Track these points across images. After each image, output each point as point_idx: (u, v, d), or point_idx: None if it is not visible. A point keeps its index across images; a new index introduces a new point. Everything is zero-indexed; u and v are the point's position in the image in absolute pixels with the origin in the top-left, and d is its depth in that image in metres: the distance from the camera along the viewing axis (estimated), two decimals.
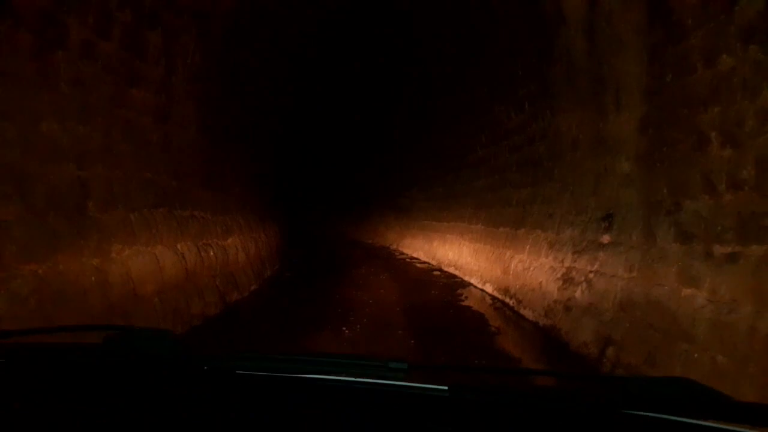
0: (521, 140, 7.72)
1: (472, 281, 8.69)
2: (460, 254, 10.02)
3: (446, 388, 0.98)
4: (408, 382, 1.02)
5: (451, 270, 10.14)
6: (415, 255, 13.57)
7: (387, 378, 1.02)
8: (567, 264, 5.26)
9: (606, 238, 4.66)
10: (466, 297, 7.61)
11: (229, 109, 7.56)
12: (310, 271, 10.45)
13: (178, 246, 5.11)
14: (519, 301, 6.36)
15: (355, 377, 1.03)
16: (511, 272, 6.94)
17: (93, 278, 3.62)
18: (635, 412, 0.89)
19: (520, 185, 7.66)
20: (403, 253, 14.33)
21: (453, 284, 8.81)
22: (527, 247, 6.58)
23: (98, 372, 1.07)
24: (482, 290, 7.98)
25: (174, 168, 5.42)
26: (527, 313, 5.96)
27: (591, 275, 4.70)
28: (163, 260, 4.72)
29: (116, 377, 1.04)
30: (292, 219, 22.31)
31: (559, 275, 5.34)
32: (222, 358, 1.15)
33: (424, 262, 12.04)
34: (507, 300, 6.81)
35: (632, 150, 4.58)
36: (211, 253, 5.94)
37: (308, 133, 20.33)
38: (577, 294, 4.81)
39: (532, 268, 6.21)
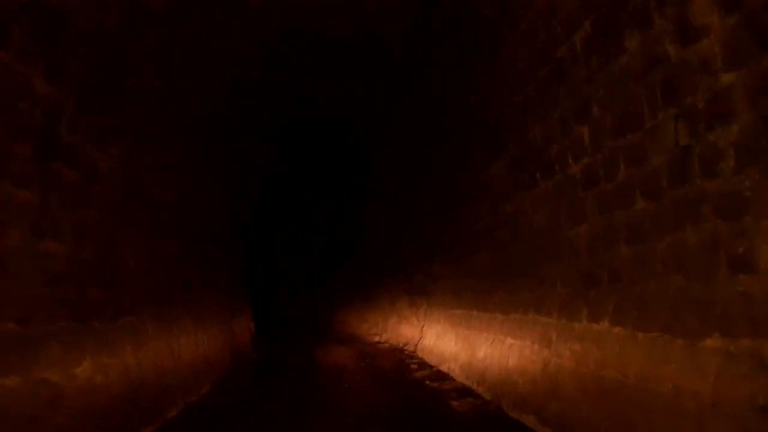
0: None
1: None
2: (549, 382, 4.56)
3: None
4: None
5: (531, 423, 4.65)
6: (444, 369, 8.05)
7: None
8: None
9: None
10: None
11: None
12: None
13: None
14: None
15: None
16: None
17: None
18: None
19: None
20: (423, 365, 8.77)
21: None
22: None
23: None
24: None
25: None
26: None
27: None
28: None
29: None
30: (272, 308, 17.03)
31: None
32: None
33: (464, 390, 6.51)
34: None
35: None
36: None
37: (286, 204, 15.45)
38: None
39: None
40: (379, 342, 12.78)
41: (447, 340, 8.46)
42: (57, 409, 3.41)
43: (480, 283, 7.35)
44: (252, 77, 9.05)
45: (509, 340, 5.79)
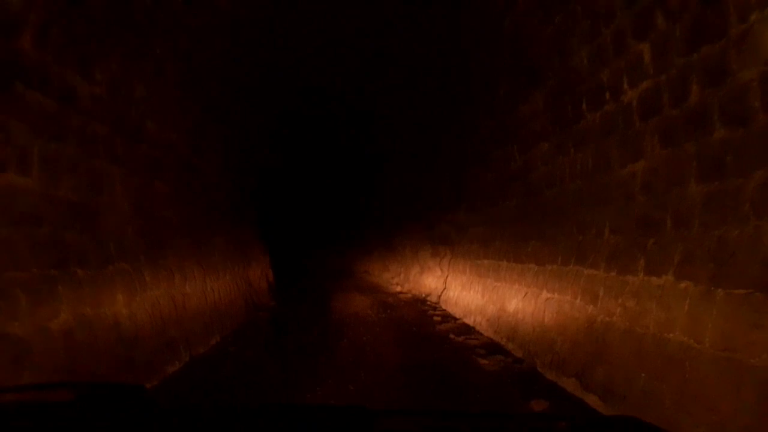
0: None
1: None
2: (595, 343, 3.98)
3: None
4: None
5: (571, 387, 4.11)
6: (469, 322, 7.55)
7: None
8: None
9: None
10: None
11: None
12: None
13: None
14: None
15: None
16: None
17: None
18: None
19: None
20: (447, 317, 8.27)
21: None
22: None
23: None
24: None
25: None
26: None
27: None
28: None
29: None
30: (293, 258, 16.76)
31: None
32: (194, 417, 1.07)
33: (492, 346, 5.99)
34: None
35: None
36: None
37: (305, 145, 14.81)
38: None
39: None
40: (400, 292, 12.34)
41: (473, 292, 7.92)
42: (22, 368, 2.94)
43: (510, 231, 6.73)
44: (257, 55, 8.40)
45: (545, 294, 5.20)
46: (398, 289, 12.88)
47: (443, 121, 10.17)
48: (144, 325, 4.46)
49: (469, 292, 8.19)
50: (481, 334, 6.80)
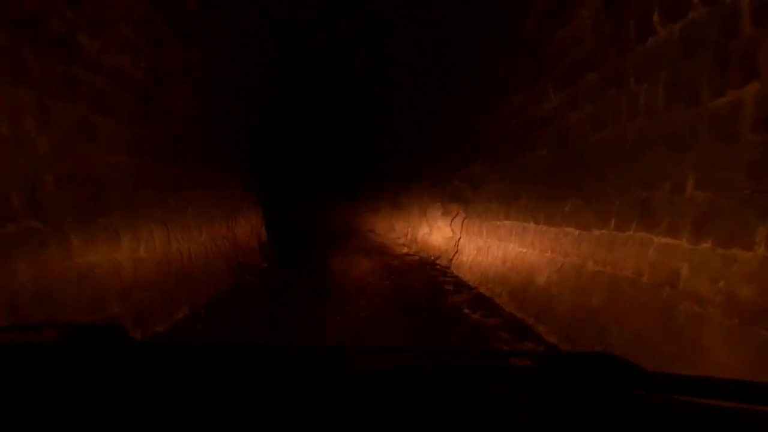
0: None
1: None
2: (677, 341, 2.86)
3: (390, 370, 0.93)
4: (350, 368, 0.98)
5: None
6: (485, 292, 6.45)
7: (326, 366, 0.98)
8: None
9: None
10: None
11: None
12: None
13: None
14: None
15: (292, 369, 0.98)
16: None
17: None
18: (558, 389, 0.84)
19: None
20: (460, 286, 7.16)
21: None
22: None
23: (48, 373, 0.97)
24: None
25: None
26: None
27: None
28: None
29: (67, 378, 0.95)
30: (292, 214, 15.73)
31: None
32: (178, 358, 1.09)
33: (517, 326, 4.88)
34: None
35: None
36: None
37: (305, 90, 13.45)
38: None
39: None
40: (407, 254, 11.25)
41: (491, 258, 6.80)
42: None
43: (540, 187, 5.56)
44: None
45: (591, 266, 4.06)
46: (405, 250, 11.80)
47: (458, 64, 8.86)
48: (65, 305, 3.37)
49: (486, 257, 7.07)
50: (501, 308, 5.71)
